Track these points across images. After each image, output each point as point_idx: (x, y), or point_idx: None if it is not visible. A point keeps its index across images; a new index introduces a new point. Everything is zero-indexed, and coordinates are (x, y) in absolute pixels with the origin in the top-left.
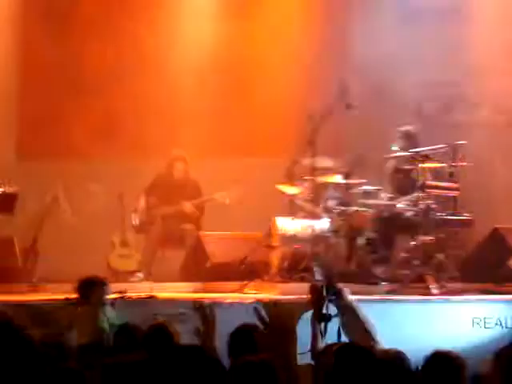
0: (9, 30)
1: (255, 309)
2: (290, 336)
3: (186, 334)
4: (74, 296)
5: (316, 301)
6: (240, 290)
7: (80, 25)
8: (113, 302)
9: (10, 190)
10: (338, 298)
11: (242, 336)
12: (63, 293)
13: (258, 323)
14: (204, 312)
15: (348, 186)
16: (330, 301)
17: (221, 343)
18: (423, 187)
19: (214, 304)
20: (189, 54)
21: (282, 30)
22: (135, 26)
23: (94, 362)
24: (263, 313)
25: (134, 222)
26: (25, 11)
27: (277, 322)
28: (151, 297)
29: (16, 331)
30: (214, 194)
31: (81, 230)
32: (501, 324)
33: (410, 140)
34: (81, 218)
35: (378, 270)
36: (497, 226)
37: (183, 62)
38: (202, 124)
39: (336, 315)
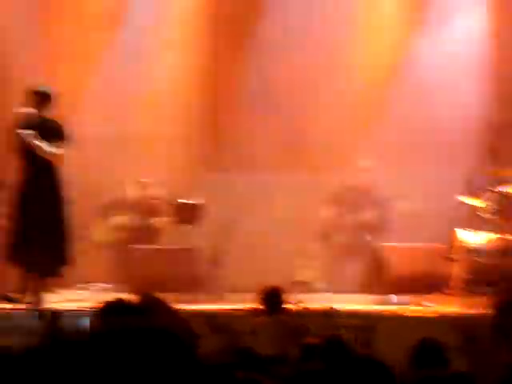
0: (198, 46)
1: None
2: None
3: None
4: (257, 306)
5: (500, 316)
6: (419, 303)
7: (262, 40)
8: (291, 313)
9: (196, 201)
10: None
11: (428, 349)
12: (245, 302)
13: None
14: (372, 325)
15: None
16: None
17: (397, 355)
18: None
19: (387, 316)
20: (374, 66)
21: (468, 36)
22: (321, 37)
23: (275, 373)
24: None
25: (318, 233)
26: (214, 25)
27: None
28: (331, 308)
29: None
30: (396, 203)
31: (263, 240)
32: None
33: None
34: (264, 229)
35: None
36: None
37: (366, 73)
38: (382, 133)
39: None
